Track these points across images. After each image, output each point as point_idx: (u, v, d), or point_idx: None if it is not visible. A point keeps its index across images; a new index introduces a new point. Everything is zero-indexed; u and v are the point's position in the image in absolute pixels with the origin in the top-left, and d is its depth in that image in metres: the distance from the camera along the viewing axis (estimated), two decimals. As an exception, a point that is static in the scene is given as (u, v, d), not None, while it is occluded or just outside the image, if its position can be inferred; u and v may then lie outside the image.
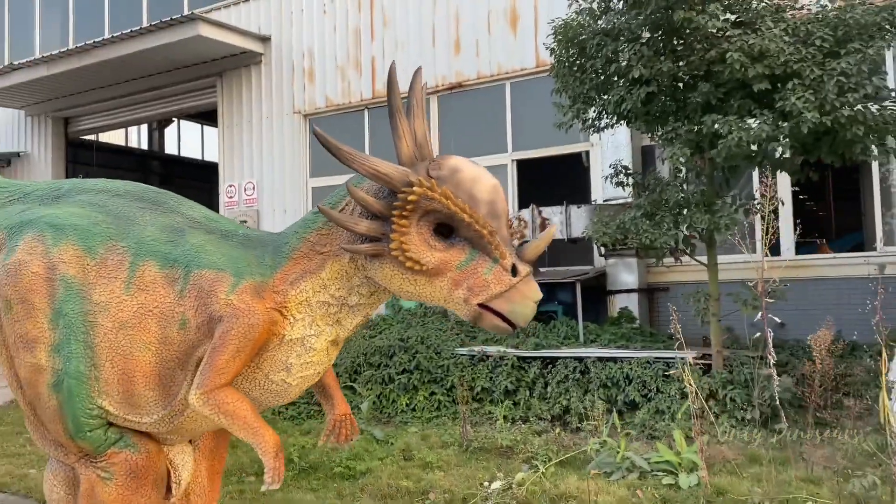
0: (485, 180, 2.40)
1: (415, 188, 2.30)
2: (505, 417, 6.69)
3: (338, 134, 10.52)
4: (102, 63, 11.68)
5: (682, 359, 6.53)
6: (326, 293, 2.56)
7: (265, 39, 11.88)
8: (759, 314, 4.50)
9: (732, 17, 5.38)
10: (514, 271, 2.35)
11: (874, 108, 4.96)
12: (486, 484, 4.55)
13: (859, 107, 5.03)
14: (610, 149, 8.65)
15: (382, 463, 5.40)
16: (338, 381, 3.07)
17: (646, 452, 5.01)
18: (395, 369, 7.42)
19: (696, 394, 4.17)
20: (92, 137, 17.72)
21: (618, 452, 4.81)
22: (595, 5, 6.14)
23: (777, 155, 5.41)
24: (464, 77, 10.32)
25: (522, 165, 10.02)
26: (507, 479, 4.60)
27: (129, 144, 21.89)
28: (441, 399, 7.15)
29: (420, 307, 9.01)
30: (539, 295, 2.40)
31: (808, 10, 5.86)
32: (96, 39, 11.98)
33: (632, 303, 8.59)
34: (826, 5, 5.35)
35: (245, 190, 11.99)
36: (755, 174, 7.25)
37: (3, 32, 15.65)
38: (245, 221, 11.76)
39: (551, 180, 10.28)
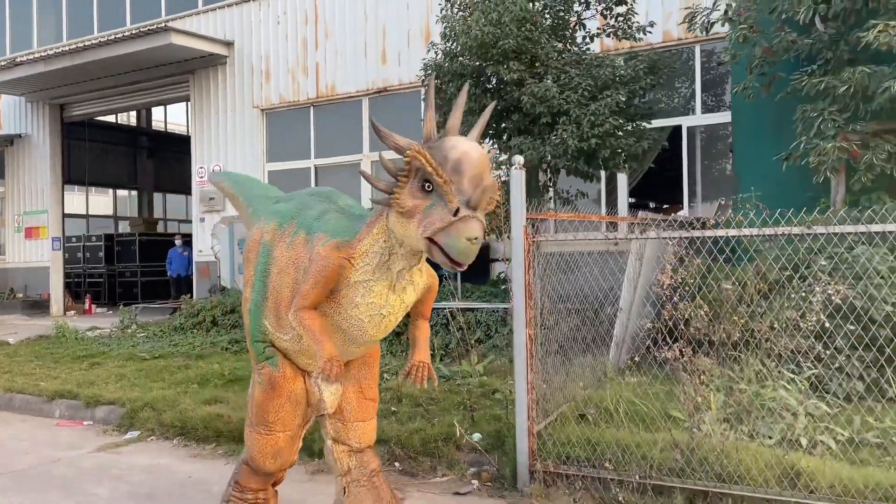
0: (460, 147, 2.89)
1: (408, 152, 2.93)
2: (390, 352, 9.12)
3: (289, 126, 12.91)
4: (92, 62, 13.82)
5: (506, 309, 9.00)
6: (377, 245, 3.20)
7: (229, 44, 14.07)
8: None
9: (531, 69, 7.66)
10: (458, 214, 2.81)
11: (612, 138, 7.29)
12: (341, 384, 6.98)
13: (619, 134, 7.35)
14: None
15: (286, 376, 7.80)
16: (426, 337, 3.60)
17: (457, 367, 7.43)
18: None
19: (465, 330, 6.54)
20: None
21: (433, 363, 7.24)
22: (447, 49, 8.39)
23: (559, 167, 7.73)
24: (389, 83, 12.59)
25: (435, 157, 12.31)
26: (356, 381, 7.03)
27: (119, 121, 24.02)
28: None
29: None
30: (474, 233, 2.79)
31: (611, 51, 8.13)
32: (87, 41, 14.16)
33: (506, 268, 11.00)
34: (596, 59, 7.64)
35: (213, 171, 14.28)
36: (622, 176, 9.65)
37: (4, 28, 17.75)
38: (213, 199, 14.10)
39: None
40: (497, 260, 11.13)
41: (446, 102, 8.48)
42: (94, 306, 16.71)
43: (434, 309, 9.30)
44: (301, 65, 13.45)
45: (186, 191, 20.58)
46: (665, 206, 11.86)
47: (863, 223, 3.79)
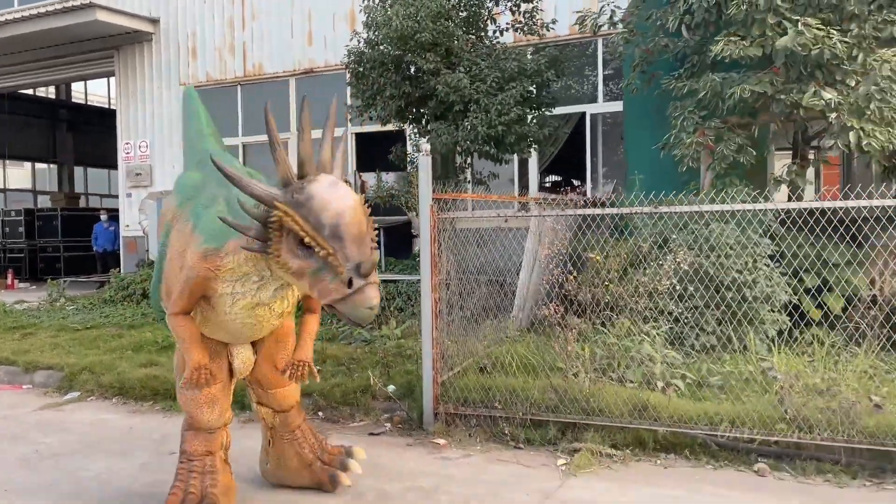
0: (332, 206, 2.83)
1: (274, 213, 2.88)
2: (321, 322, 9.79)
3: (216, 104, 13.27)
4: (13, 36, 13.73)
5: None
6: (245, 266, 3.24)
7: (155, 21, 14.21)
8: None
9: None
10: (352, 283, 2.80)
11: (517, 125, 8.14)
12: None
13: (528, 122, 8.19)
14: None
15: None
16: (311, 334, 3.72)
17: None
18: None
19: (385, 299, 7.29)
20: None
21: (354, 331, 8.00)
22: (369, 38, 9.02)
23: (471, 150, 8.53)
24: (315, 64, 13.09)
25: (361, 138, 12.94)
26: (284, 345, 7.71)
27: (37, 94, 23.42)
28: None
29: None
30: (373, 301, 2.83)
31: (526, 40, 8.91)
32: (7, 13, 14.01)
33: (427, 243, 11.78)
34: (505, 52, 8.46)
35: (139, 147, 14.47)
36: (533, 159, 10.51)
37: (-85, -5, 17.18)
38: (139, 174, 14.32)
39: (385, 150, 13.24)
40: (417, 236, 11.89)
41: (370, 88, 9.14)
42: (16, 281, 16.63)
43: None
44: (228, 44, 13.76)
45: (109, 165, 20.46)
46: (570, 186, 12.88)
47: (696, 204, 4.72)
